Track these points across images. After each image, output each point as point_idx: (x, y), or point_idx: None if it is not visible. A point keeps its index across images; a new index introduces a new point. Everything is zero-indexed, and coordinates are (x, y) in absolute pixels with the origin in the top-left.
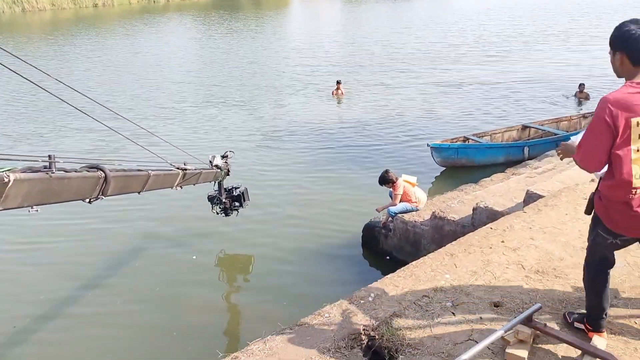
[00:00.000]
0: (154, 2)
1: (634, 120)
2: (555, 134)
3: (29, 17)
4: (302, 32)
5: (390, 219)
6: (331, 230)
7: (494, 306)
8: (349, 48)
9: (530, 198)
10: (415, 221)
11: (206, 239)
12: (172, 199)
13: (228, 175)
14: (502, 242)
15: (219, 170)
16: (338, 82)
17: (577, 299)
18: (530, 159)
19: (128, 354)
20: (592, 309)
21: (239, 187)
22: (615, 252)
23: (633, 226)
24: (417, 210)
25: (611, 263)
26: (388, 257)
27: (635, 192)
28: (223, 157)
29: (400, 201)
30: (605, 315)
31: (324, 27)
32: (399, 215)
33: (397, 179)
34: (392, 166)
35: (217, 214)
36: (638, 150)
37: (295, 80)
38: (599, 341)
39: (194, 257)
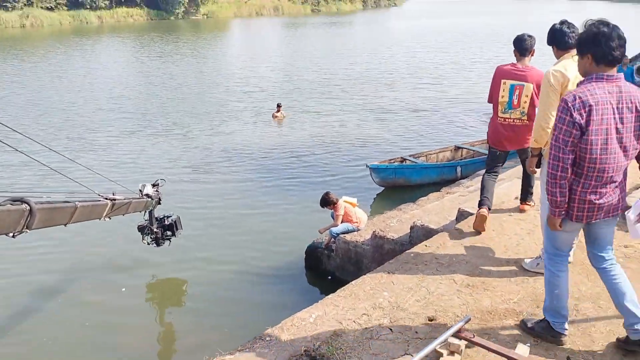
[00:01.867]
0: (87, 23)
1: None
2: (485, 154)
3: None
4: (240, 55)
5: (332, 239)
6: (273, 253)
7: (429, 320)
8: (288, 72)
9: (462, 215)
10: (356, 241)
11: (137, 268)
12: (101, 230)
13: (159, 204)
14: (436, 258)
15: (149, 199)
16: (278, 105)
17: (503, 310)
18: (463, 178)
19: None
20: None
21: (171, 216)
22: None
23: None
24: (359, 230)
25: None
26: (330, 278)
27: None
28: (154, 185)
29: (341, 222)
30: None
31: (263, 51)
32: (341, 235)
33: (337, 200)
34: (333, 188)
35: (148, 244)
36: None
37: (234, 104)
38: (522, 349)
39: (123, 290)
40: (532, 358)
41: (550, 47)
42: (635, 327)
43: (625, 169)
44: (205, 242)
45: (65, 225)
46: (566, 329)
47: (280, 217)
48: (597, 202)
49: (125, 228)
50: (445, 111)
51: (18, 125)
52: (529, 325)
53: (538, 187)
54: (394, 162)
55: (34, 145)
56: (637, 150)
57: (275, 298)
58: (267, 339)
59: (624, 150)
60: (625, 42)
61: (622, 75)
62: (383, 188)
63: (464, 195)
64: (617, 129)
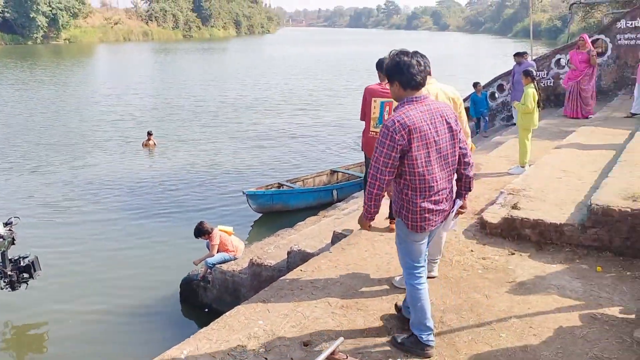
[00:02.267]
0: None
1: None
2: (360, 177)
3: None
4: (106, 82)
5: (208, 270)
6: (146, 289)
7: (304, 345)
8: (158, 99)
9: (337, 238)
10: (233, 270)
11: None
12: None
13: (13, 244)
14: (311, 282)
15: (1, 239)
16: (149, 133)
17: (376, 328)
18: (339, 201)
19: None
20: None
21: (27, 257)
22: None
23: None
24: (235, 259)
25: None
26: (207, 310)
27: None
28: (6, 224)
29: (217, 251)
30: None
31: (131, 78)
32: (217, 266)
33: (212, 229)
34: (209, 217)
35: (2, 288)
36: None
37: (99, 133)
38: None
39: None
40: None
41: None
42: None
43: (452, 178)
44: (68, 282)
45: None
46: (433, 341)
47: (153, 251)
48: (435, 210)
49: None
50: (320, 136)
51: None
52: (399, 340)
53: None
54: (271, 188)
55: None
56: (456, 158)
57: (148, 336)
58: None
59: (445, 159)
60: (425, 67)
61: (429, 94)
62: (261, 214)
63: (339, 218)
64: (435, 141)
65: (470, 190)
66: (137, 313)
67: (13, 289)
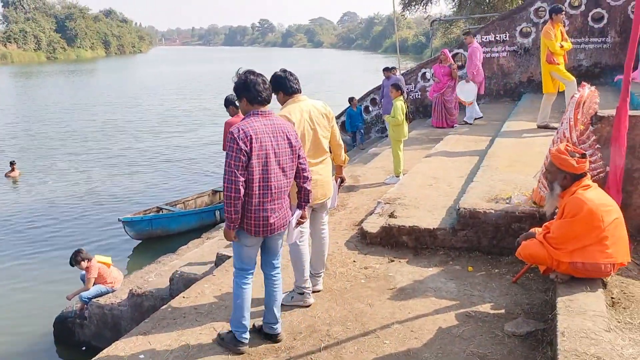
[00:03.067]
0: None
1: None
2: None
3: None
4: None
5: (84, 305)
6: (15, 333)
7: None
8: (19, 126)
9: (220, 260)
10: (112, 303)
11: None
12: None
13: None
14: (195, 308)
15: None
16: (12, 163)
17: (263, 349)
18: (223, 222)
19: None
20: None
21: None
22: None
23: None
24: (114, 291)
25: None
26: (84, 348)
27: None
28: None
29: (93, 284)
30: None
31: None
32: (94, 300)
33: (90, 259)
34: (85, 247)
35: None
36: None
37: None
38: None
39: None
40: None
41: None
42: (272, 325)
43: (288, 189)
44: None
45: None
46: (246, 339)
47: (21, 291)
48: (270, 217)
49: None
50: (200, 157)
51: None
52: (221, 336)
53: None
54: (149, 212)
55: None
56: (294, 171)
57: None
58: None
59: (283, 170)
60: (269, 86)
61: (272, 111)
62: (140, 241)
63: (222, 239)
64: (275, 153)
65: (308, 202)
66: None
67: None
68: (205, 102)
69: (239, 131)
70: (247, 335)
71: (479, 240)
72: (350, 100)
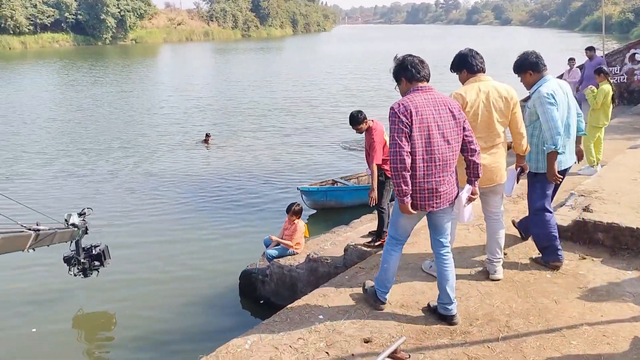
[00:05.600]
0: (10, 48)
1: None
2: None
3: None
4: (170, 81)
5: (268, 263)
6: (206, 280)
7: (365, 342)
8: (217, 97)
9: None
10: (291, 265)
11: (62, 301)
12: (23, 262)
13: (86, 233)
14: (371, 279)
15: (75, 229)
16: (207, 135)
17: (437, 329)
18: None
19: None
20: None
21: (98, 246)
22: (470, 283)
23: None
24: (294, 254)
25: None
26: (262, 302)
27: None
28: (80, 214)
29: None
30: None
31: (193, 77)
32: (275, 260)
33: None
34: (265, 211)
35: (75, 275)
36: None
37: (162, 130)
38: None
39: (34, 330)
40: None
41: (455, 73)
42: (446, 306)
43: (454, 163)
44: (134, 271)
45: None
46: (385, 299)
47: (213, 243)
48: (435, 190)
49: (50, 259)
50: None
51: None
52: (366, 287)
53: None
54: (325, 184)
55: None
56: (459, 143)
57: (209, 326)
58: None
59: (447, 142)
60: (427, 65)
61: (432, 87)
62: (315, 210)
63: None
64: (438, 125)
65: (478, 177)
66: (199, 303)
67: (85, 275)
68: (382, 82)
69: (399, 106)
70: (387, 296)
71: None
72: None
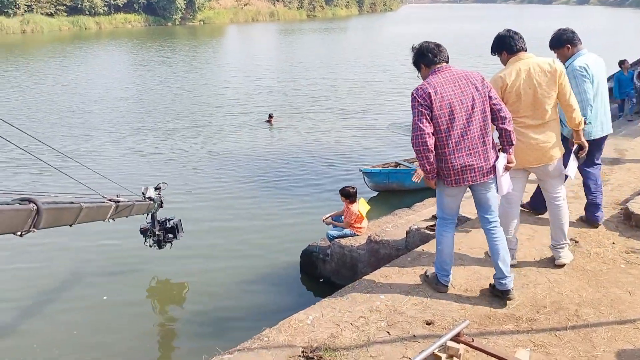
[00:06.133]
0: (85, 28)
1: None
2: None
3: None
4: (238, 60)
5: (329, 243)
6: (269, 257)
7: (427, 324)
8: (282, 77)
9: (460, 221)
10: (352, 246)
11: (137, 270)
12: (102, 231)
13: (161, 207)
14: (434, 262)
15: (152, 202)
16: (270, 116)
17: (502, 315)
18: None
19: None
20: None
21: (172, 219)
22: (539, 270)
23: None
24: (355, 235)
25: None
26: (322, 280)
27: None
28: (156, 188)
29: (348, 226)
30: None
31: (259, 57)
32: (337, 240)
33: (352, 201)
34: (327, 192)
35: (150, 246)
36: None
37: (229, 109)
38: (523, 354)
39: (105, 298)
40: None
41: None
42: (500, 280)
43: (485, 135)
44: (203, 245)
45: (70, 225)
46: (448, 282)
47: (276, 221)
48: (465, 164)
49: (127, 230)
50: None
51: (23, 125)
52: (427, 274)
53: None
54: (388, 166)
55: (38, 147)
56: (488, 114)
57: (271, 300)
58: (265, 339)
59: (473, 116)
60: (444, 49)
61: (451, 66)
62: (377, 192)
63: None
64: (461, 100)
65: (512, 144)
66: (262, 278)
67: (159, 247)
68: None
69: (417, 90)
70: (449, 279)
71: None
72: (621, 63)
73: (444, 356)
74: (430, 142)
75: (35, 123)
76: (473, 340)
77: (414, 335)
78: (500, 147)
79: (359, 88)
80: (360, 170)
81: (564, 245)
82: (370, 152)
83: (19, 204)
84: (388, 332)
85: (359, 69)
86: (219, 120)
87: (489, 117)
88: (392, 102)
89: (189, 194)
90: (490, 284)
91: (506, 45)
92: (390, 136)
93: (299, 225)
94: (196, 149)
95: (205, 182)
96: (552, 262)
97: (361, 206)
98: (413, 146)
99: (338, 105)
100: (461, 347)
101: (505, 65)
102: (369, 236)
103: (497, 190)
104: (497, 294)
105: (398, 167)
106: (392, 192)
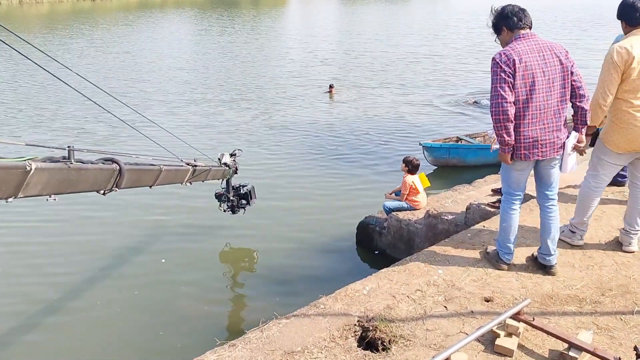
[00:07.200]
0: None
1: None
2: None
3: (25, 10)
4: (298, 31)
5: (386, 216)
6: (328, 227)
7: (485, 301)
8: (343, 47)
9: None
10: (409, 219)
11: (211, 234)
12: (179, 195)
13: (236, 173)
14: (495, 240)
15: (227, 168)
16: (331, 86)
17: (565, 295)
18: None
19: (129, 339)
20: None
21: (246, 186)
22: (605, 252)
23: None
24: (413, 209)
25: None
26: (377, 253)
27: None
28: (232, 155)
29: (405, 198)
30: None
31: (320, 27)
32: (394, 213)
33: (412, 172)
34: (386, 165)
35: (224, 211)
36: None
37: (287, 79)
38: (585, 336)
39: (163, 261)
40: (596, 345)
41: (620, 22)
42: (545, 257)
43: (561, 111)
44: (268, 213)
45: (150, 187)
46: (509, 260)
47: (335, 192)
48: (539, 138)
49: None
50: None
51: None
52: (488, 250)
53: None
54: (449, 141)
55: (122, 108)
56: (568, 89)
57: (327, 270)
58: (322, 306)
59: (553, 89)
60: (528, 13)
61: (535, 33)
62: (436, 167)
63: None
64: (543, 72)
65: (586, 124)
66: (321, 248)
67: (233, 212)
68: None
69: (500, 55)
70: (510, 256)
71: None
72: None
73: (502, 334)
74: (512, 111)
75: (111, 88)
76: (534, 319)
77: (472, 311)
78: (574, 125)
79: (419, 61)
80: (420, 144)
81: (637, 232)
82: (431, 126)
83: (103, 163)
84: (445, 307)
85: (420, 41)
86: (276, 91)
87: (569, 93)
88: (454, 76)
89: (249, 165)
90: (532, 254)
91: (627, 16)
92: (453, 110)
93: (356, 198)
94: (253, 120)
95: (263, 154)
96: (619, 245)
97: (419, 180)
98: (492, 114)
99: (398, 79)
100: (521, 326)
101: (625, 35)
102: (427, 211)
103: (560, 168)
104: (540, 267)
105: (459, 142)
106: (452, 167)
